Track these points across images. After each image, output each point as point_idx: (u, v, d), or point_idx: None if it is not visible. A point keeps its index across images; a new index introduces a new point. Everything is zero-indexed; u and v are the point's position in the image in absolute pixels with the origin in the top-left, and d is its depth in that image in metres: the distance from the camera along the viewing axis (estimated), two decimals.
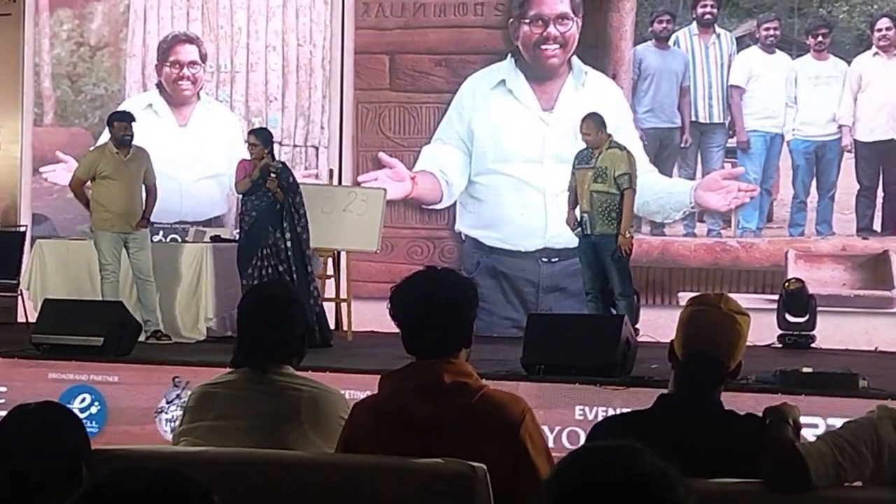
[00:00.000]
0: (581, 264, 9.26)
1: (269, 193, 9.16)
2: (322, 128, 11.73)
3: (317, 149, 11.75)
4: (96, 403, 7.59)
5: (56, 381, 7.82)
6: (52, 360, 7.97)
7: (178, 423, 3.65)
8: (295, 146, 11.81)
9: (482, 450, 2.92)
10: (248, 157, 9.41)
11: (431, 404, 3.03)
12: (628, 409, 3.11)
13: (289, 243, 9.20)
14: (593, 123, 9.05)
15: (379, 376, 3.24)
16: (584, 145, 9.19)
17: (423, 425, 3.02)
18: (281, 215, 9.22)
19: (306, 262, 9.33)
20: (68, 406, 2.73)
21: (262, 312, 3.60)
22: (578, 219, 9.14)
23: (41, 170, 12.19)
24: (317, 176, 11.43)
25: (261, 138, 9.41)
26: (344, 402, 3.52)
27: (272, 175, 9.16)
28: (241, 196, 9.45)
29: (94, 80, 12.22)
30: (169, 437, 7.43)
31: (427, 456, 2.90)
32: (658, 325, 8.73)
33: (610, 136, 9.14)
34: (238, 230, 9.51)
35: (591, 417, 6.74)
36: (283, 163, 9.76)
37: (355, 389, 6.60)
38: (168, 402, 7.56)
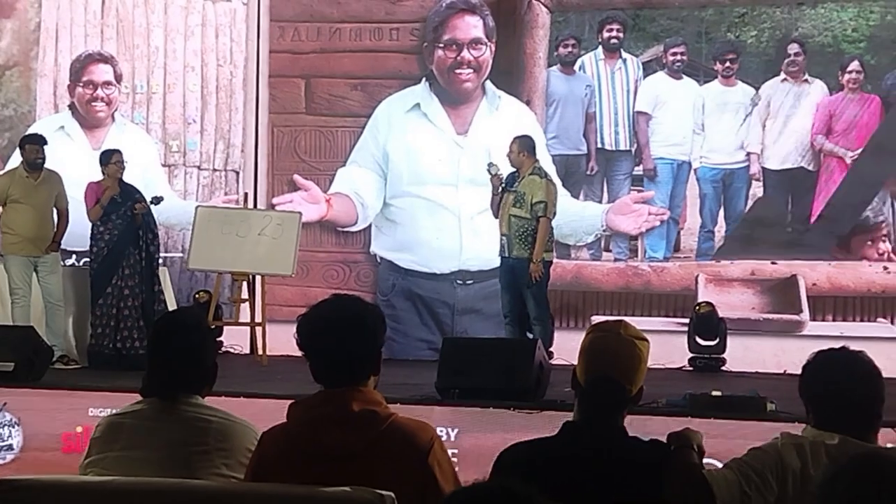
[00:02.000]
0: (501, 286, 9.32)
1: (129, 214, 9.24)
2: (242, 151, 11.67)
3: (237, 173, 11.67)
4: None
5: None
6: None
7: (83, 455, 3.59)
8: (214, 170, 11.73)
9: (391, 478, 2.94)
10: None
11: (340, 433, 3.04)
12: (536, 437, 3.12)
13: (143, 262, 9.30)
14: (516, 144, 9.13)
15: (293, 401, 3.24)
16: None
17: (332, 454, 3.02)
18: (138, 234, 9.29)
19: (154, 279, 9.41)
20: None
21: (174, 341, 3.56)
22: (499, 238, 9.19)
23: None
24: (237, 202, 11.33)
25: (123, 156, 9.47)
26: (253, 433, 3.49)
27: (141, 203, 9.23)
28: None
29: (3, 100, 12.02)
30: None
31: (337, 485, 2.91)
32: (571, 348, 8.67)
33: (536, 161, 9.20)
34: (91, 252, 9.39)
35: (504, 442, 6.76)
36: (132, 185, 9.64)
37: (270, 414, 6.58)
38: None
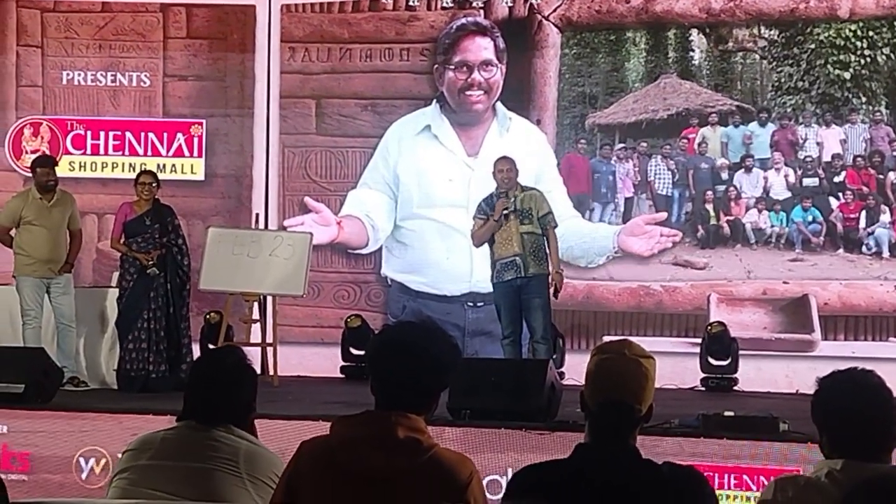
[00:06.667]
0: (501, 308, 8.92)
1: (155, 238, 9.20)
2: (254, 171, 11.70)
3: None
4: None
5: None
6: None
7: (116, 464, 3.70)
8: None
9: None
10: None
11: (382, 457, 3.02)
12: (548, 458, 3.10)
13: (169, 285, 9.23)
14: (508, 163, 8.87)
15: (304, 422, 3.25)
16: None
17: (371, 476, 3.01)
18: (165, 260, 9.24)
19: (183, 303, 9.36)
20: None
21: (213, 375, 3.67)
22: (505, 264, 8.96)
23: None
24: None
25: (157, 178, 9.42)
26: (279, 461, 3.54)
27: (148, 259, 9.16)
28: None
29: None
30: None
31: None
32: (583, 368, 8.67)
33: None
34: (121, 273, 9.34)
35: (516, 462, 6.74)
36: (168, 206, 9.58)
37: (280, 434, 6.58)
38: None
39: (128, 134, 11.80)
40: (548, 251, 8.80)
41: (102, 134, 11.84)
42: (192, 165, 11.77)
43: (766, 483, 3.37)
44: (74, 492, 7.21)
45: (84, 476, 7.43)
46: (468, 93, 11.25)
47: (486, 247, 9.13)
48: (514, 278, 8.80)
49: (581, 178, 11.18)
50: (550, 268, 8.77)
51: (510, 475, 6.11)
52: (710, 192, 11.03)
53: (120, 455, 3.74)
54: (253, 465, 3.52)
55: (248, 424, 3.71)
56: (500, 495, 3.14)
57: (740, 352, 9.86)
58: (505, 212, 8.75)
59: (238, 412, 3.66)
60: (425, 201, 11.27)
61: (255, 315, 10.19)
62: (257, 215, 11.21)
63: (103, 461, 7.35)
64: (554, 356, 8.81)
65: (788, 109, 10.92)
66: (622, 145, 11.24)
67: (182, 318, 9.35)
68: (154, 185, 9.32)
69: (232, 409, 3.64)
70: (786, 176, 10.90)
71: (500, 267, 8.87)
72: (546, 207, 8.87)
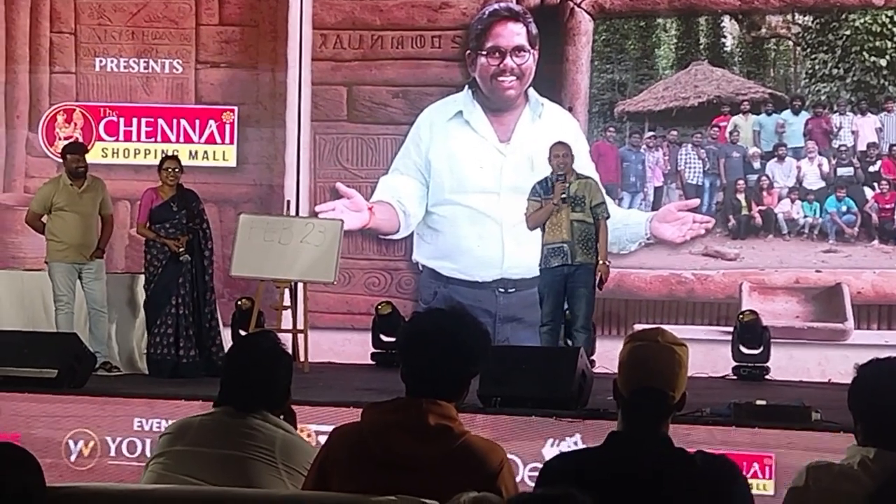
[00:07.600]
0: (544, 294, 8.85)
1: (184, 223, 9.30)
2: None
3: None
4: None
5: None
6: None
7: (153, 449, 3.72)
8: None
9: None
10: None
11: (413, 444, 3.03)
12: (582, 446, 3.11)
13: (194, 270, 9.31)
14: (565, 148, 8.83)
15: (336, 408, 3.24)
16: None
17: (402, 464, 3.02)
18: (192, 250, 9.31)
19: (207, 287, 9.44)
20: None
21: (249, 361, 3.68)
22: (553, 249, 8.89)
23: None
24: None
25: (180, 163, 9.49)
26: (314, 451, 3.52)
27: (178, 245, 9.22)
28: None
29: None
30: None
31: (403, 493, 2.88)
32: (614, 356, 8.50)
33: None
34: (146, 261, 9.42)
35: (547, 450, 6.74)
36: (191, 191, 9.65)
37: (311, 420, 6.60)
38: None
39: (160, 121, 11.84)
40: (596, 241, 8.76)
41: (135, 121, 11.89)
42: (223, 152, 11.80)
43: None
44: (65, 474, 7.25)
45: (73, 458, 7.48)
46: (500, 78, 11.23)
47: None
48: (561, 265, 8.74)
49: (610, 167, 11.14)
50: (599, 258, 8.73)
51: (541, 463, 6.11)
52: (741, 182, 10.97)
53: (158, 439, 3.76)
54: (288, 455, 3.53)
55: (285, 409, 3.73)
56: (532, 483, 3.13)
57: (772, 340, 9.82)
58: (563, 196, 8.71)
59: (275, 397, 3.67)
60: (457, 187, 11.26)
61: (286, 301, 10.21)
62: (289, 202, 11.24)
63: (91, 444, 7.41)
64: None
65: (822, 97, 10.86)
66: (652, 133, 11.19)
67: (206, 303, 9.40)
68: (178, 170, 9.39)
69: (269, 394, 3.65)
70: (819, 165, 10.84)
71: (548, 252, 8.82)
72: (600, 197, 8.82)
